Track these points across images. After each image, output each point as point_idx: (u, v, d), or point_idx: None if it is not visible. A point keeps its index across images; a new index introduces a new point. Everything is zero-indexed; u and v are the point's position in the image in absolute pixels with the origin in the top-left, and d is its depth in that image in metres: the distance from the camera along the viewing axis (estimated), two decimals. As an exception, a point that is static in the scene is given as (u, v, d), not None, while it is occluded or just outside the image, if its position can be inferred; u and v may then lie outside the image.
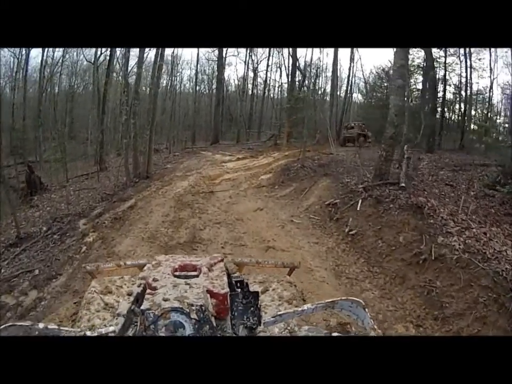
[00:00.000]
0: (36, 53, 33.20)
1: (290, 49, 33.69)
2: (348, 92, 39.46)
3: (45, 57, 33.17)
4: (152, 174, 19.54)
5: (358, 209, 12.36)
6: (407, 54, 13.58)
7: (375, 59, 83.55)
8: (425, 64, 29.62)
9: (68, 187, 20.51)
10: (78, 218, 14.40)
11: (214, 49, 38.44)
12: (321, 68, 41.11)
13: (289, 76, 33.88)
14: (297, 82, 33.80)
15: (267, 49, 40.04)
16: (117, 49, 26.80)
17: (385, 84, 37.43)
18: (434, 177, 16.11)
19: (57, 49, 34.22)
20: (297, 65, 33.37)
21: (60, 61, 35.80)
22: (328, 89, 42.24)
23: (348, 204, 12.92)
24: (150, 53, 21.96)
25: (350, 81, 38.85)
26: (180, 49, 60.75)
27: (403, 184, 13.16)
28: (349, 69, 37.44)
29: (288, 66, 34.98)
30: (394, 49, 13.55)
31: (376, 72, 39.36)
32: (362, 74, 45.29)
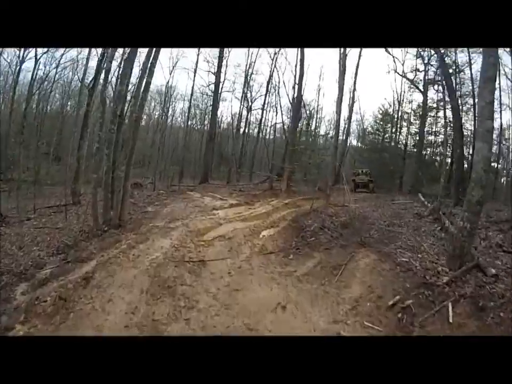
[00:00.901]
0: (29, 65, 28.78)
1: (292, 88, 29.44)
2: (345, 134, 34.52)
3: (37, 71, 28.77)
4: (126, 221, 13.90)
5: (450, 320, 7.06)
6: (494, 86, 8.79)
7: (371, 103, 79.12)
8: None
9: (30, 221, 15.70)
10: (18, 280, 9.28)
11: (210, 83, 33.75)
12: (316, 108, 36.61)
13: (291, 116, 28.62)
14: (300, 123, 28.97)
15: (263, 87, 35.41)
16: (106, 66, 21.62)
17: (387, 126, 33.63)
18: (486, 242, 11.35)
19: (52, 65, 30.81)
20: (302, 104, 28.29)
21: (53, 78, 31.65)
22: (322, 131, 38.48)
23: (427, 308, 7.54)
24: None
25: (348, 124, 33.89)
26: (174, 81, 56.50)
27: (494, 271, 8.42)
28: (349, 110, 32.57)
29: (292, 104, 29.87)
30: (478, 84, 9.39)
31: (377, 114, 34.86)
32: (360, 116, 40.47)
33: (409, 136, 32.63)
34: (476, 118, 14.03)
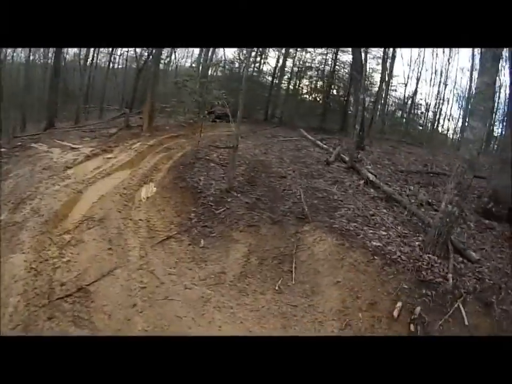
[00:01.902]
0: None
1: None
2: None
3: None
4: None
5: (466, 323, 5.54)
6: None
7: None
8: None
9: None
10: None
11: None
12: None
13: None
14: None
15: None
16: None
17: (248, 55, 29.43)
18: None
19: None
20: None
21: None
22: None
23: (439, 312, 5.78)
24: None
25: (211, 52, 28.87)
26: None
27: (477, 256, 7.15)
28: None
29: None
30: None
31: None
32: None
33: (278, 68, 29.27)
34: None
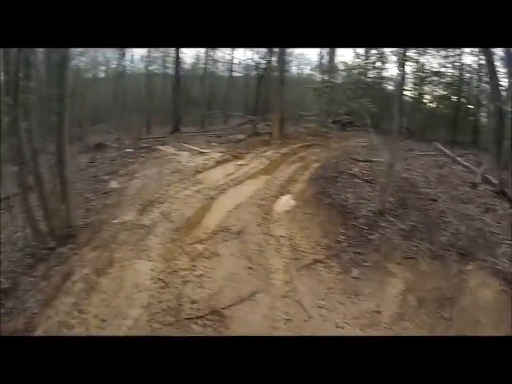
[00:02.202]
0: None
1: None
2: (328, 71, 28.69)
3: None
4: (78, 227, 8.14)
5: None
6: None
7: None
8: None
9: None
10: None
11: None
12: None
13: (279, 54, 22.17)
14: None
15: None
16: None
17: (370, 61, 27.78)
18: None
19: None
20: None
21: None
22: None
23: None
24: None
25: (330, 59, 27.72)
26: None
27: None
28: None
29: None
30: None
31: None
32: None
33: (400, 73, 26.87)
34: None
